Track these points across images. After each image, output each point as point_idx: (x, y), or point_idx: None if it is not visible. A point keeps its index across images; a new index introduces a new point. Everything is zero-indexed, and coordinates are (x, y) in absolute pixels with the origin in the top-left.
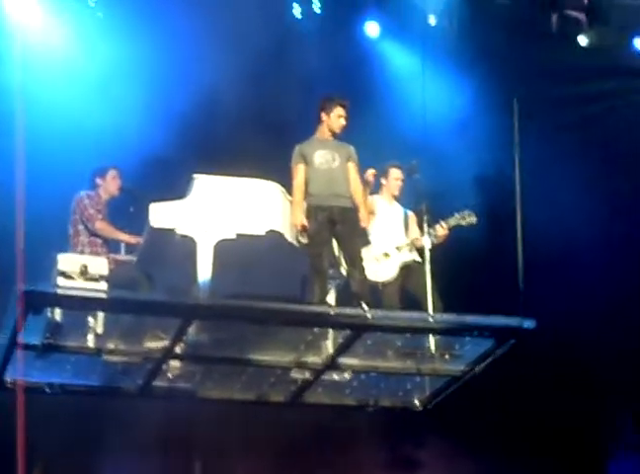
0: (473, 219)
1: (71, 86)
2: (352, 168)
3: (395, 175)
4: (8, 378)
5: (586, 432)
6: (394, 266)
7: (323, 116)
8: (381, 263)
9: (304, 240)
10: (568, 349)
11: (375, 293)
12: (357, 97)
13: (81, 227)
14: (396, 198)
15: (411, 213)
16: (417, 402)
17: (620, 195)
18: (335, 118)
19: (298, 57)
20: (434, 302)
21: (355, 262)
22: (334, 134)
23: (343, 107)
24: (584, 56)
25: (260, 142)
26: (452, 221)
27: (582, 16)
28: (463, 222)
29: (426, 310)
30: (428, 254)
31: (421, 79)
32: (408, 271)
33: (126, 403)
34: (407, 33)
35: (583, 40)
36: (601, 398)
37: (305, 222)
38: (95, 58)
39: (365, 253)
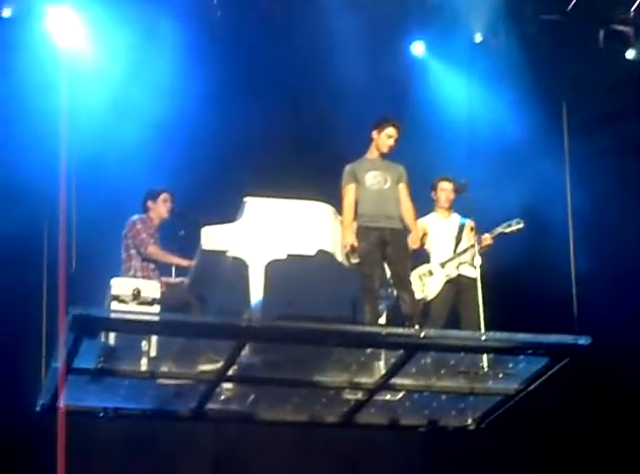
0: (520, 226)
1: (117, 108)
2: (402, 189)
3: (442, 187)
4: (62, 403)
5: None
6: (438, 282)
7: (374, 134)
8: (426, 280)
9: (354, 260)
10: (624, 366)
11: (424, 311)
12: (403, 117)
13: (133, 251)
14: (451, 210)
15: (469, 221)
16: (470, 421)
17: None
18: (384, 138)
19: (345, 77)
20: (479, 320)
21: (404, 283)
22: (381, 154)
23: (395, 128)
24: (631, 70)
25: (309, 164)
26: (499, 229)
27: (629, 30)
28: (509, 230)
29: (470, 326)
30: (478, 272)
31: (468, 98)
32: (457, 286)
33: (180, 426)
34: (453, 51)
35: (630, 54)
36: None
37: (355, 242)
38: (140, 77)
39: (415, 270)
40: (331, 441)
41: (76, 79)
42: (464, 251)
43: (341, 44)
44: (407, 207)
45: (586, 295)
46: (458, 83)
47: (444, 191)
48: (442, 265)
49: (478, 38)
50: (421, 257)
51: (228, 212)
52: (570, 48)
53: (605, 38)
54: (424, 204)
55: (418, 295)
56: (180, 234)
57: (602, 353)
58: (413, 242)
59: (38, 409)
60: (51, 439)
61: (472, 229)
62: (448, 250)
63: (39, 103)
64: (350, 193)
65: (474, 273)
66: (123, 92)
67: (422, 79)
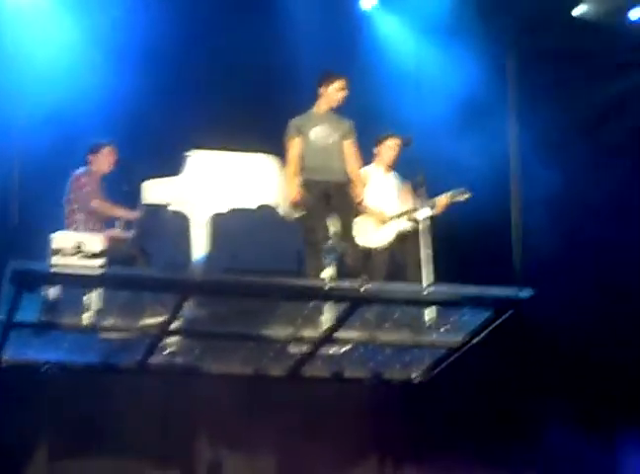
0: (466, 196)
1: (62, 56)
2: (348, 146)
3: (390, 144)
4: (6, 357)
5: (583, 402)
6: (390, 233)
7: (321, 89)
8: (376, 229)
9: (298, 213)
10: (566, 318)
11: (366, 260)
12: (351, 70)
13: (77, 206)
14: (391, 168)
15: (405, 182)
16: (415, 374)
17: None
18: (334, 91)
19: (294, 30)
20: (425, 273)
21: (348, 236)
22: (332, 107)
23: (342, 80)
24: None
25: (253, 116)
26: (447, 196)
27: None
28: (456, 199)
29: (412, 279)
30: (423, 226)
31: (416, 52)
32: (402, 239)
33: (125, 379)
34: (402, 4)
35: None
36: (598, 369)
37: (299, 196)
38: (87, 23)
39: (359, 219)
40: (277, 395)
41: (23, 26)
42: (417, 207)
43: None
44: (353, 163)
45: (529, 248)
46: (407, 36)
47: (391, 148)
48: (397, 217)
49: None
50: None
51: (171, 167)
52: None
53: None
54: (368, 157)
55: (366, 243)
56: (124, 189)
57: (545, 305)
58: (358, 196)
59: None
60: None
61: (421, 183)
62: (392, 204)
63: None
64: (294, 146)
65: (420, 226)
66: (69, 39)
67: (370, 33)
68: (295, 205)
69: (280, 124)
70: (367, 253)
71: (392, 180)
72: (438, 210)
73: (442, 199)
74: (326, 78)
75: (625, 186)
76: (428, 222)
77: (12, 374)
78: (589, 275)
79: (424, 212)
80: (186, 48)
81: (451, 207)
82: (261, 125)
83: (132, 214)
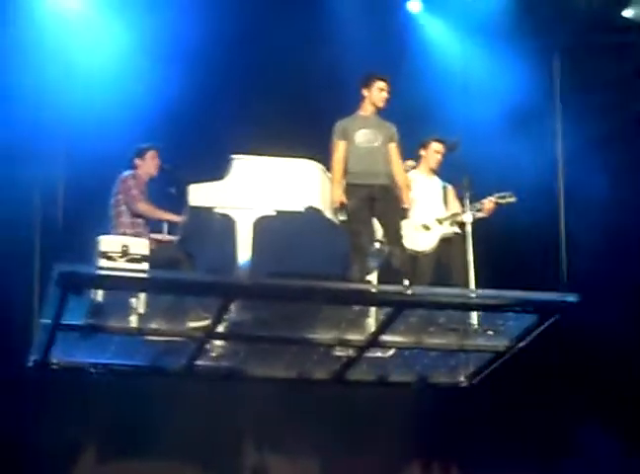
0: (512, 199)
1: (105, 62)
2: (393, 149)
3: (436, 148)
4: (53, 359)
5: (632, 404)
6: (434, 237)
7: (364, 91)
8: (421, 234)
9: (343, 217)
10: (611, 324)
11: (412, 264)
12: (398, 74)
13: (123, 208)
14: (435, 172)
15: (450, 187)
16: (462, 378)
17: None
18: (377, 92)
19: (341, 33)
20: (469, 277)
21: (395, 239)
22: (376, 109)
23: (384, 81)
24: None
25: (300, 121)
26: (492, 199)
27: None
28: (503, 201)
29: (458, 283)
30: (469, 229)
31: (462, 56)
32: (447, 243)
33: (171, 382)
34: (449, 8)
35: (628, 13)
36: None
37: (344, 199)
38: (130, 26)
39: (404, 224)
40: (323, 398)
41: (70, 38)
42: (461, 212)
43: (334, 1)
44: (398, 167)
45: (575, 254)
46: (454, 40)
47: (437, 152)
48: (440, 221)
49: None
50: None
51: (217, 171)
52: (568, 4)
53: None
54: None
55: (416, 247)
56: (170, 191)
57: (591, 310)
58: (405, 201)
59: (30, 365)
60: (44, 395)
61: (467, 187)
62: (436, 208)
63: (31, 61)
64: (339, 149)
65: (466, 229)
66: (116, 45)
67: (418, 36)
68: (341, 209)
69: (327, 128)
70: (414, 257)
71: (436, 184)
72: (484, 214)
73: (488, 203)
74: (368, 79)
75: None
76: (471, 227)
77: (61, 376)
78: (636, 281)
79: (469, 216)
80: (231, 53)
81: (498, 211)
82: (307, 129)
83: (178, 218)
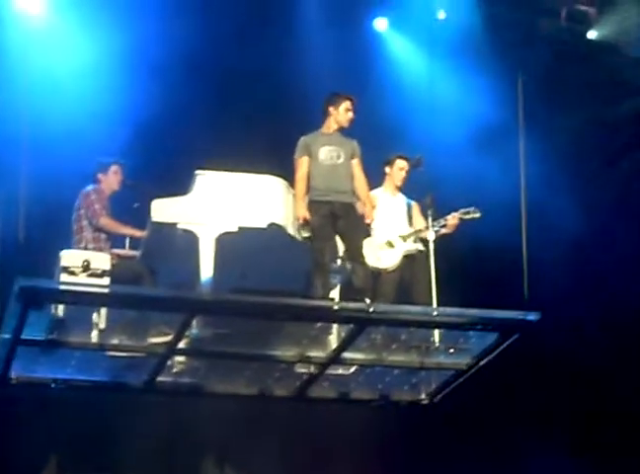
0: (477, 215)
1: (69, 77)
2: (356, 164)
3: (400, 165)
4: (13, 374)
5: (590, 423)
6: (397, 254)
7: (331, 109)
8: (384, 251)
9: (306, 234)
10: (573, 341)
11: (375, 281)
12: (363, 91)
13: (85, 223)
14: (399, 189)
15: (414, 203)
16: (423, 395)
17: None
18: (343, 112)
19: (306, 50)
20: (431, 295)
21: (357, 256)
22: (340, 128)
23: (350, 101)
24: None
25: (264, 136)
26: (457, 215)
27: (592, 10)
28: (467, 217)
29: (420, 301)
30: (432, 247)
31: (428, 74)
32: (411, 260)
33: (132, 398)
34: (415, 27)
35: (592, 34)
36: (606, 392)
37: (308, 215)
38: (93, 40)
39: (368, 241)
40: (284, 415)
41: (35, 45)
42: (424, 229)
43: (304, 17)
44: (361, 182)
45: (536, 272)
46: (420, 59)
47: (401, 169)
48: (404, 238)
49: (442, 14)
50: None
51: (181, 185)
52: (532, 26)
53: (568, 16)
54: (377, 178)
55: (379, 265)
56: (134, 206)
57: (551, 328)
58: (367, 216)
59: None
60: (4, 410)
61: (429, 205)
62: (400, 226)
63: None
64: (303, 165)
65: (429, 247)
66: (78, 62)
67: (383, 54)
68: (304, 226)
69: (291, 144)
70: (376, 274)
71: (400, 201)
72: (448, 230)
73: (452, 219)
74: (334, 98)
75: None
76: (435, 244)
77: (21, 391)
78: (599, 301)
79: (432, 234)
80: (197, 66)
81: (462, 229)
82: (271, 145)
83: (140, 233)
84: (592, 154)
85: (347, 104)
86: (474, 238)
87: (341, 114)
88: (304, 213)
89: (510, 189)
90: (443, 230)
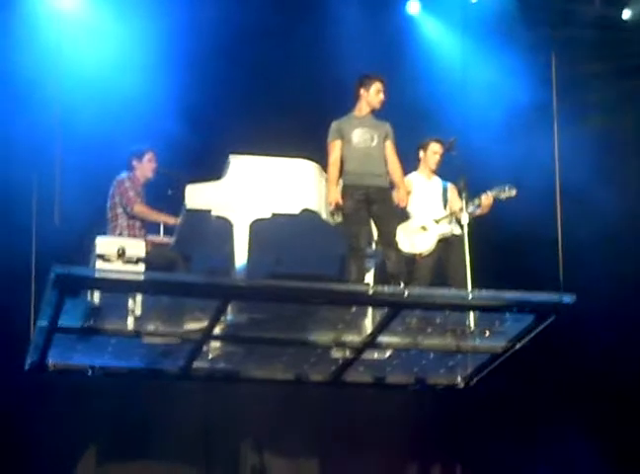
0: (513, 192)
1: (102, 63)
2: (389, 147)
3: (434, 149)
4: (50, 362)
5: (628, 406)
6: (432, 238)
7: (362, 91)
8: (418, 236)
9: (339, 218)
10: (607, 324)
11: (411, 266)
12: (396, 75)
13: (120, 210)
14: (435, 172)
15: (451, 185)
16: (459, 379)
17: None
18: (374, 94)
19: (339, 35)
20: (467, 278)
21: (391, 241)
22: (372, 110)
23: (381, 82)
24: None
25: (297, 120)
26: (490, 195)
27: None
28: (502, 195)
29: (455, 284)
30: (466, 230)
31: (461, 57)
32: (445, 244)
33: (168, 384)
34: (448, 10)
35: (627, 14)
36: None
37: (340, 200)
38: (129, 37)
39: (403, 226)
40: (320, 400)
41: (68, 37)
42: (459, 211)
43: (336, 1)
44: (394, 165)
45: (571, 255)
46: (453, 41)
47: (436, 153)
48: (437, 221)
49: None
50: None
51: (214, 171)
52: (566, 6)
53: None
54: (411, 162)
55: (410, 249)
56: (168, 193)
57: (587, 311)
58: (401, 200)
59: (27, 367)
60: (42, 397)
61: (463, 188)
62: (436, 209)
63: (32, 62)
64: (335, 149)
65: (462, 231)
66: (112, 53)
67: (416, 38)
68: (337, 210)
69: (324, 129)
70: (412, 259)
71: (436, 184)
72: (483, 210)
73: (486, 199)
74: (366, 80)
75: None
76: (470, 226)
77: (58, 378)
78: (634, 284)
79: (466, 218)
80: (230, 54)
81: (496, 212)
82: (305, 130)
83: (173, 220)
84: (626, 135)
85: (377, 85)
86: (510, 220)
87: (372, 95)
88: (337, 198)
89: (545, 169)
90: (478, 211)
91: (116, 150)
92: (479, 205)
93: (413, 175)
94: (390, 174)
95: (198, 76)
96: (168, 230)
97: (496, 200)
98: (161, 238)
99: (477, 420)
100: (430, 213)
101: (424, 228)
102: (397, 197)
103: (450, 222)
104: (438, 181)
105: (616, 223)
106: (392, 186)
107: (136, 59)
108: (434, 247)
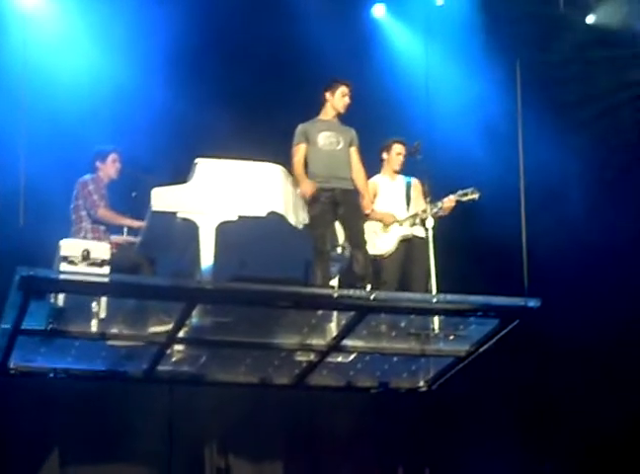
0: (475, 196)
1: (71, 69)
2: (354, 153)
3: (397, 150)
4: (12, 364)
5: (588, 412)
6: (393, 239)
7: (327, 95)
8: (380, 236)
9: (313, 212)
10: (573, 328)
11: (376, 268)
12: (361, 77)
13: (83, 213)
14: (398, 172)
15: (415, 182)
16: (422, 383)
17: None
18: (339, 97)
19: (304, 37)
20: (430, 281)
21: (358, 243)
22: (338, 114)
23: (347, 86)
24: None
25: (263, 124)
26: (454, 197)
27: None
28: (465, 198)
29: (417, 287)
30: (431, 233)
31: (425, 60)
32: (408, 245)
33: (132, 387)
34: (413, 14)
35: (590, 19)
36: (606, 377)
37: (313, 189)
38: (96, 38)
39: (366, 227)
40: (284, 403)
41: (35, 40)
42: (422, 211)
43: (301, 4)
44: (359, 172)
45: (536, 258)
46: (417, 45)
47: (399, 154)
48: (400, 223)
49: (439, 0)
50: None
51: (180, 174)
52: (531, 11)
53: (566, 2)
54: (375, 165)
55: (375, 251)
56: (132, 195)
57: (552, 315)
58: (365, 207)
59: None
60: (3, 400)
61: (423, 188)
62: (401, 210)
63: None
64: (300, 151)
65: (427, 234)
66: (79, 53)
67: (381, 41)
68: (312, 202)
69: (291, 133)
70: (377, 261)
71: (400, 184)
72: (444, 212)
73: (449, 201)
74: (331, 84)
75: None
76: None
77: (21, 381)
78: (601, 287)
79: (431, 221)
80: (196, 53)
81: (460, 214)
82: (271, 134)
83: (138, 223)
84: (593, 136)
85: (343, 89)
86: (474, 223)
87: (337, 99)
88: (310, 188)
89: (508, 171)
90: (440, 213)
91: (80, 151)
92: (441, 208)
93: (377, 177)
94: (354, 180)
95: (165, 77)
96: (132, 233)
97: (459, 203)
98: (125, 237)
99: (438, 423)
100: (395, 214)
101: (385, 229)
102: (363, 204)
103: (413, 225)
104: (401, 179)
105: (581, 225)
106: (357, 189)
107: (102, 58)
108: (395, 248)
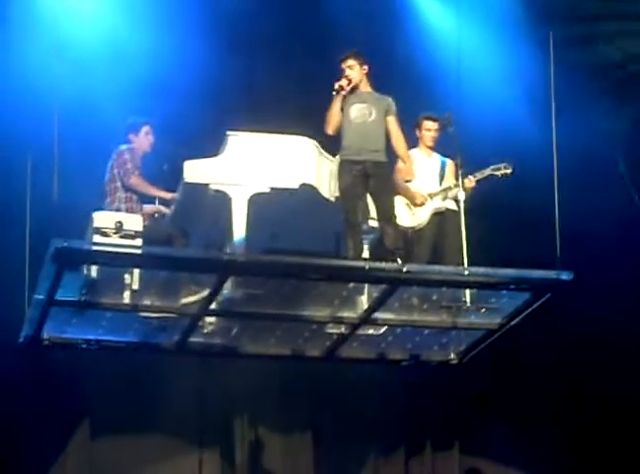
0: (508, 171)
1: (106, 45)
2: (392, 121)
3: (427, 126)
4: (45, 335)
5: (620, 389)
6: (426, 212)
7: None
8: (413, 209)
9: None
10: (605, 302)
11: (408, 241)
12: (392, 51)
13: (119, 184)
14: (433, 149)
15: (450, 161)
16: (452, 355)
17: None
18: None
19: (334, 14)
20: (462, 254)
21: (388, 216)
22: (373, 87)
23: (354, 57)
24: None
25: (295, 99)
26: (485, 173)
27: None
28: (498, 173)
29: (450, 260)
30: (462, 207)
31: (456, 32)
32: (441, 218)
33: (164, 359)
34: None
35: None
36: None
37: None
38: (130, 15)
39: (399, 200)
40: (315, 375)
41: (69, 16)
42: (453, 186)
43: None
44: (398, 140)
45: (569, 231)
46: (448, 16)
47: (429, 130)
48: (431, 196)
49: None
50: None
51: (212, 148)
52: None
53: None
54: (410, 140)
55: (407, 223)
56: (164, 168)
57: (584, 288)
58: (407, 174)
59: (20, 340)
60: (36, 371)
61: (455, 169)
62: (434, 186)
63: (29, 39)
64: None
65: (458, 207)
66: (115, 29)
67: (411, 16)
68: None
69: (322, 109)
70: (409, 234)
71: (435, 162)
72: (466, 192)
73: (470, 181)
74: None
75: None
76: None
77: (53, 352)
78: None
79: (463, 194)
80: (228, 27)
81: (493, 187)
82: (302, 108)
83: (170, 195)
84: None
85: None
86: (507, 197)
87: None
88: (337, 118)
89: (541, 145)
90: (468, 186)
91: (114, 123)
92: (464, 188)
93: (414, 151)
94: (394, 148)
95: (196, 51)
96: (163, 204)
97: (488, 178)
98: (157, 207)
99: (469, 396)
100: (425, 190)
101: (418, 202)
102: (403, 170)
103: (445, 198)
104: (436, 158)
105: (617, 198)
106: (391, 160)
107: (134, 31)
108: (427, 221)
